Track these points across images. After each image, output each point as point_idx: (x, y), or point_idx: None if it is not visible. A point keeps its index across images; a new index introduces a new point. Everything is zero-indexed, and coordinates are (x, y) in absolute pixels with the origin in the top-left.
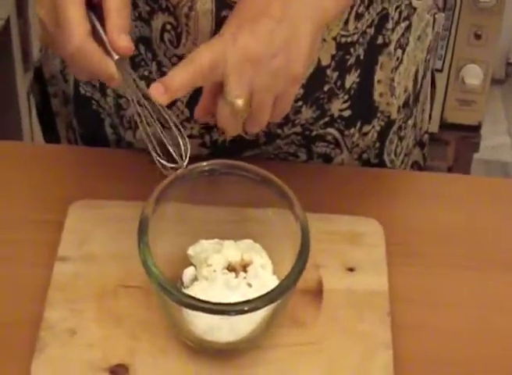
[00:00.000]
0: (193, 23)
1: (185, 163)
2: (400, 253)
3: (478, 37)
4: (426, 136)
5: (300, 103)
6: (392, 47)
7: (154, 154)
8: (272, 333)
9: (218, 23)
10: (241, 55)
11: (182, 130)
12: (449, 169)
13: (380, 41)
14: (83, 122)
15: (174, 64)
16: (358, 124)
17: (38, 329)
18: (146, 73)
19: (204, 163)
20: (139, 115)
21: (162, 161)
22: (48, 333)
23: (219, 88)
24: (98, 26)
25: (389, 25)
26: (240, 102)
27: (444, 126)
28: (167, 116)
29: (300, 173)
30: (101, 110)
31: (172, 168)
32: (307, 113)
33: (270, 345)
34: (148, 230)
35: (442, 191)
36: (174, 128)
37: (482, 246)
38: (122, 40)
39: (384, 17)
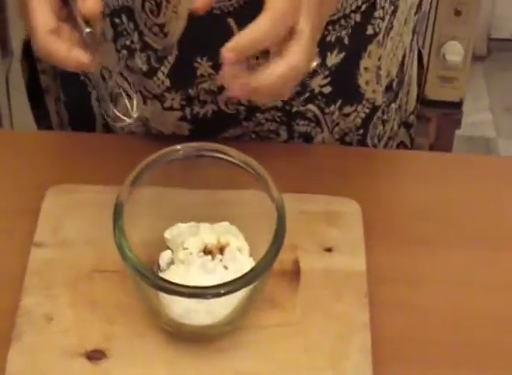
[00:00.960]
0: None
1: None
2: (380, 232)
3: (458, 13)
4: (412, 116)
5: None
6: (381, 35)
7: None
8: (250, 315)
9: None
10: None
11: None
12: (432, 146)
13: (370, 31)
14: (70, 95)
15: (155, 34)
16: (339, 103)
17: (15, 316)
18: (128, 43)
19: (179, 146)
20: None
21: (116, 111)
22: (24, 320)
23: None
24: None
25: (378, 13)
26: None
27: (425, 103)
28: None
29: (280, 154)
30: (87, 81)
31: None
32: None
33: (248, 327)
34: (123, 214)
35: (423, 169)
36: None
37: (464, 224)
38: (86, 5)
39: (372, 5)
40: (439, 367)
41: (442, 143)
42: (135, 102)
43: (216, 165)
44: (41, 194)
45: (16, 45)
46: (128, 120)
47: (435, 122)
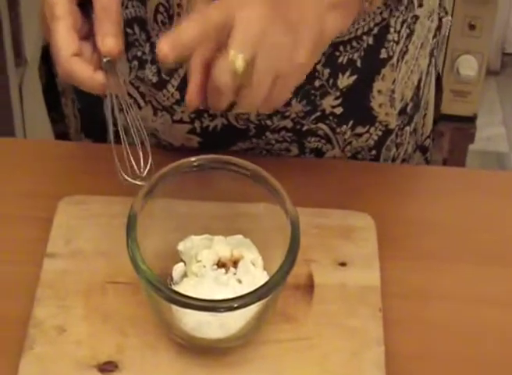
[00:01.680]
0: (185, 4)
1: (144, 174)
2: (392, 247)
3: (472, 27)
4: (428, 140)
5: None
6: (395, 59)
7: (116, 163)
8: (263, 329)
9: None
10: (251, 15)
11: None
12: (445, 161)
13: (384, 54)
14: (84, 101)
15: None
16: (350, 123)
17: (27, 326)
18: (139, 54)
19: (193, 158)
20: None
21: (122, 173)
22: (36, 331)
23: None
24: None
25: (392, 37)
26: (240, 61)
27: (439, 117)
28: (140, 128)
29: (291, 168)
30: None
31: (129, 181)
32: (297, 107)
33: (261, 342)
34: (137, 225)
35: (436, 184)
36: (138, 141)
37: (476, 240)
38: (105, 45)
39: (384, 28)
40: None
41: (456, 157)
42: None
43: (230, 177)
44: (54, 203)
45: (30, 53)
46: (139, 183)
47: (449, 136)
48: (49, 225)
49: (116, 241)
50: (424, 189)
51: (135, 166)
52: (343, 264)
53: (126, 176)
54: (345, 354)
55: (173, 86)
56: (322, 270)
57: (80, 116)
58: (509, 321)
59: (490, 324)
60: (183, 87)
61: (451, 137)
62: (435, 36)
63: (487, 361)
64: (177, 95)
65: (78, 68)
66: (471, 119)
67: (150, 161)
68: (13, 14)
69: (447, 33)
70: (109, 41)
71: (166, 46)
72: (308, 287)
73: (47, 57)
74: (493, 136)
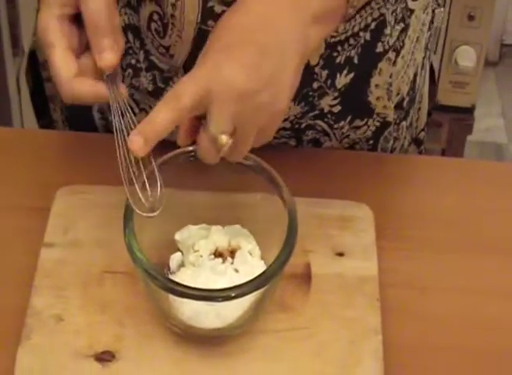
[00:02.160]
0: (179, 13)
1: (157, 211)
2: (390, 237)
3: (471, 18)
4: (423, 133)
5: None
6: (391, 52)
7: (128, 195)
8: (260, 319)
9: (205, 16)
10: (226, 91)
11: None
12: (443, 152)
13: (380, 48)
14: (71, 111)
15: (161, 54)
16: (349, 118)
17: (24, 316)
18: (133, 62)
19: (190, 148)
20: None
21: (134, 207)
22: (33, 320)
23: (200, 117)
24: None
25: (387, 30)
26: (223, 138)
27: (437, 108)
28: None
29: (289, 158)
30: None
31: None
32: (295, 109)
33: (258, 331)
34: (134, 215)
35: (434, 174)
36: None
37: (475, 230)
38: (102, 61)
39: (381, 23)
40: (448, 373)
41: (454, 148)
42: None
43: (228, 167)
44: (51, 193)
45: (27, 44)
46: (150, 214)
47: (447, 127)
48: (47, 214)
49: (114, 231)
50: (422, 179)
51: (149, 194)
52: (340, 254)
53: (141, 212)
54: (342, 343)
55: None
56: (320, 260)
57: (69, 122)
58: (506, 311)
59: (487, 314)
60: None
61: (449, 127)
62: (429, 29)
63: (484, 351)
64: None
65: (80, 89)
66: (470, 110)
67: (160, 189)
68: (11, 4)
69: (440, 25)
70: (106, 56)
71: (140, 140)
72: (306, 276)
73: (34, 61)
74: (491, 127)
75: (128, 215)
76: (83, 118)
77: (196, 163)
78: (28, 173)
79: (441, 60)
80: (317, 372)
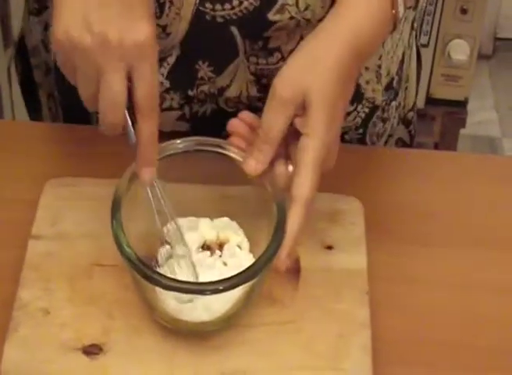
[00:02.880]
0: None
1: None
2: (380, 231)
3: (464, 11)
4: (411, 113)
5: None
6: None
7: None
8: (249, 312)
9: None
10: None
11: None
12: (436, 145)
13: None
14: (65, 91)
15: (157, 35)
16: None
17: (11, 309)
18: None
19: (179, 140)
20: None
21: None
22: (21, 313)
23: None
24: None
25: None
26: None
27: (430, 101)
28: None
29: None
30: None
31: None
32: None
33: (247, 325)
34: (121, 208)
35: (425, 168)
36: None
37: (466, 224)
38: (144, 173)
39: None
40: (438, 368)
41: (447, 142)
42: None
43: (216, 160)
44: (40, 185)
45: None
46: None
47: (440, 120)
48: (35, 207)
49: (102, 224)
50: (413, 173)
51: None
52: (329, 247)
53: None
54: (331, 337)
55: (162, 75)
56: (309, 254)
57: (62, 110)
58: (495, 305)
59: (476, 308)
60: (172, 75)
61: (442, 121)
62: (415, 7)
63: (473, 346)
64: (167, 84)
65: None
66: (463, 104)
67: None
68: None
69: (424, 5)
70: (146, 171)
71: (254, 163)
72: (295, 270)
73: (23, 50)
74: (484, 120)
75: (115, 207)
76: (76, 105)
77: (184, 156)
78: (17, 165)
79: (434, 53)
80: (305, 365)
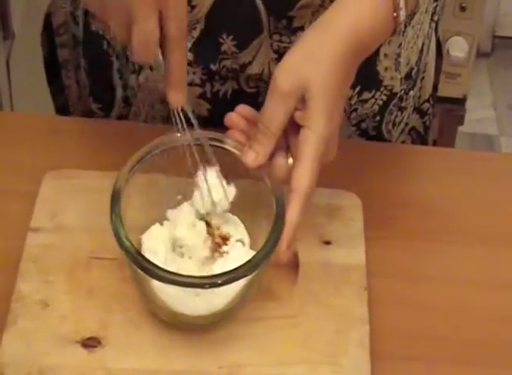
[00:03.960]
0: None
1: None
2: (378, 227)
3: (463, 9)
4: (427, 104)
5: None
6: (402, 23)
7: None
8: (247, 306)
9: None
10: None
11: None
12: (434, 142)
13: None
14: (92, 63)
15: None
16: (358, 88)
17: (10, 301)
18: None
19: (178, 134)
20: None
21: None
22: (19, 305)
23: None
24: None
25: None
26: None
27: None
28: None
29: None
30: (110, 51)
31: None
32: None
33: (245, 319)
34: (121, 200)
35: (424, 164)
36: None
37: (464, 220)
38: (172, 95)
39: None
40: (435, 363)
41: (445, 139)
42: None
43: (215, 153)
44: (38, 177)
45: (17, 27)
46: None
47: (438, 118)
48: (34, 199)
49: (102, 216)
50: (412, 169)
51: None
52: (328, 243)
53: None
54: (329, 332)
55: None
56: (307, 249)
57: (89, 81)
58: (496, 303)
59: (477, 306)
60: (196, 48)
61: (441, 118)
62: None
63: (472, 342)
64: (190, 57)
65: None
66: (461, 101)
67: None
68: None
69: None
70: (174, 95)
71: (254, 156)
72: (293, 265)
73: (48, 28)
74: (483, 118)
75: (115, 200)
76: (103, 79)
77: (183, 149)
78: (16, 157)
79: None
80: (303, 360)
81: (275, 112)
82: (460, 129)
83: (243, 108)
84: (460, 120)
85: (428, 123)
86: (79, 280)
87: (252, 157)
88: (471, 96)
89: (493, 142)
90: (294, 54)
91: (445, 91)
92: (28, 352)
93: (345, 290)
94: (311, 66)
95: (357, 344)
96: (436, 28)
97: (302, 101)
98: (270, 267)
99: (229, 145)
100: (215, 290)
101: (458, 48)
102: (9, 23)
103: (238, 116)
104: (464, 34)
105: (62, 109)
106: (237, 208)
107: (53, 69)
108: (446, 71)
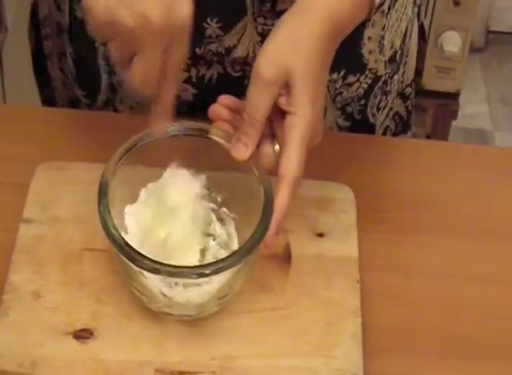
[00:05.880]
0: None
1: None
2: (371, 219)
3: (457, 3)
4: (409, 89)
5: None
6: (386, 5)
7: None
8: (239, 298)
9: None
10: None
11: None
12: (428, 137)
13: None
14: (78, 51)
15: None
16: (343, 72)
17: (2, 292)
18: None
19: (167, 125)
20: None
21: None
22: (11, 297)
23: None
24: None
25: None
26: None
27: (422, 93)
28: None
29: None
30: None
31: None
32: None
33: (237, 311)
34: (108, 192)
35: (417, 157)
36: None
37: (457, 214)
38: (155, 124)
39: None
40: (427, 357)
41: (438, 133)
42: None
43: (204, 145)
44: (30, 169)
45: (10, 20)
46: None
47: (432, 112)
48: (26, 190)
49: (93, 208)
50: (405, 162)
51: None
52: (320, 235)
53: None
54: (321, 325)
55: (180, 82)
56: (300, 241)
57: (75, 68)
58: (488, 297)
59: (468, 298)
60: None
61: (434, 113)
62: None
63: (463, 336)
64: None
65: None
66: (454, 96)
67: None
68: None
69: None
70: (162, 124)
71: (244, 149)
72: (286, 257)
73: (34, 20)
74: (476, 113)
75: (102, 192)
76: (88, 62)
77: (171, 141)
78: (8, 148)
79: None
80: (295, 352)
81: (259, 100)
82: (454, 123)
83: (225, 99)
84: (454, 115)
85: (410, 107)
86: (71, 271)
87: (242, 150)
88: (464, 91)
89: (487, 137)
90: (274, 40)
91: (438, 85)
92: (20, 344)
93: (338, 282)
94: (292, 51)
95: (350, 336)
96: (419, 13)
97: (285, 87)
98: (262, 259)
99: (219, 137)
100: (204, 280)
101: (452, 42)
102: (2, 16)
103: (222, 107)
104: (458, 29)
105: (48, 100)
106: (227, 200)
107: (40, 61)
108: (439, 66)
